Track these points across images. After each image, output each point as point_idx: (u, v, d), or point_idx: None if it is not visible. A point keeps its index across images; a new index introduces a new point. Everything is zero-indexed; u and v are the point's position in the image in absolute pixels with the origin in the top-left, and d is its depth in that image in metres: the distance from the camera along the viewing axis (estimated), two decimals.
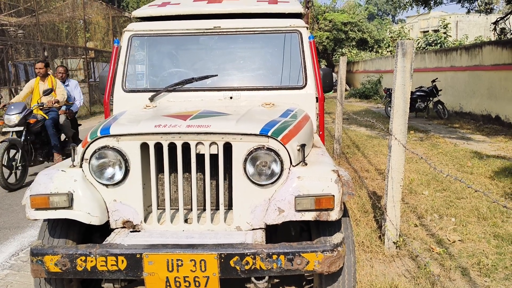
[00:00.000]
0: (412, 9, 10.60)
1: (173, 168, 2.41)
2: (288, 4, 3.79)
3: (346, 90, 26.77)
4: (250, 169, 2.31)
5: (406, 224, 4.29)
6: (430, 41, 25.12)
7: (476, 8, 13.25)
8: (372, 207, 4.75)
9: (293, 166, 2.32)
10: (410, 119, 12.63)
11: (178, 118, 2.48)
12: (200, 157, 2.37)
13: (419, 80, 14.75)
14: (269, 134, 2.30)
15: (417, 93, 12.93)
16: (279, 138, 2.31)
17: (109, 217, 2.39)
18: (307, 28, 3.60)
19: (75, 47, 18.04)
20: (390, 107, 12.84)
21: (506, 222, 4.27)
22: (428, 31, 38.08)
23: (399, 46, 3.40)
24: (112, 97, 3.51)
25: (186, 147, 2.35)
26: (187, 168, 2.41)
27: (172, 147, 2.35)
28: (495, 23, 12.93)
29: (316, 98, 3.49)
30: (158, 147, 2.36)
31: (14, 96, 16.16)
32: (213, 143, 2.33)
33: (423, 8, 10.76)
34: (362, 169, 6.70)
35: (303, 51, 3.52)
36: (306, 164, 2.36)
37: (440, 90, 12.71)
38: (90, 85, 18.05)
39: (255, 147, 2.30)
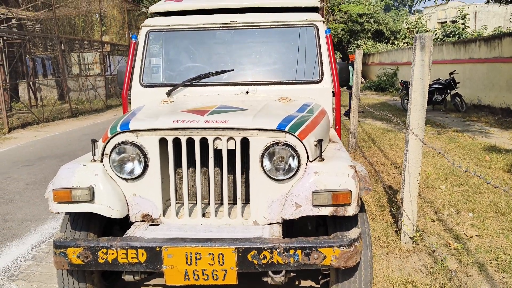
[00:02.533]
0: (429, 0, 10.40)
1: (191, 163, 2.44)
2: None
3: (361, 82, 26.54)
4: (267, 164, 2.33)
5: (423, 219, 4.27)
6: (447, 32, 24.69)
7: None
8: (388, 201, 4.73)
9: (310, 161, 2.33)
10: (427, 112, 12.43)
11: (196, 113, 2.50)
12: (217, 152, 2.39)
13: (436, 72, 14.54)
14: (286, 129, 2.31)
15: (435, 86, 12.74)
16: (296, 134, 2.31)
17: (129, 211, 2.44)
18: (323, 22, 3.58)
19: (91, 41, 18.24)
20: (406, 100, 12.69)
21: None
22: (446, 22, 37.46)
23: (417, 40, 3.36)
24: (130, 91, 3.55)
25: (204, 142, 2.37)
26: (205, 163, 2.44)
27: (190, 142, 2.37)
28: None
29: (333, 92, 3.48)
30: (176, 142, 2.39)
31: (32, 90, 16.49)
32: (230, 138, 2.35)
33: None
34: (378, 163, 6.66)
35: (319, 45, 3.51)
36: (323, 160, 2.36)
37: (458, 82, 12.51)
38: (106, 78, 18.25)
39: (272, 142, 2.32)
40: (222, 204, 2.48)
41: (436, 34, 26.01)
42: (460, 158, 6.84)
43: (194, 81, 3.45)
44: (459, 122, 10.67)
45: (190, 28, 3.62)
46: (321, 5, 3.73)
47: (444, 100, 12.85)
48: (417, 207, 3.65)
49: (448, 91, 12.74)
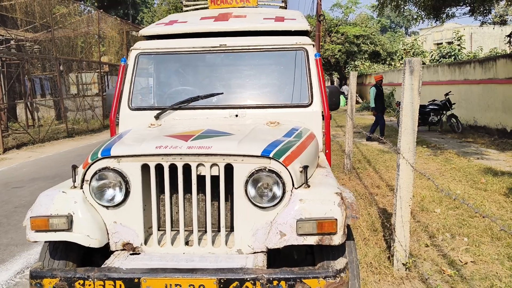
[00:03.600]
0: (423, 22, 10.52)
1: (174, 190, 2.39)
2: (295, 22, 3.78)
3: (358, 103, 26.65)
4: (252, 191, 2.28)
5: (416, 244, 4.18)
6: (444, 53, 24.95)
7: (489, 21, 13.10)
8: (382, 225, 4.65)
9: (295, 188, 2.28)
10: (423, 133, 12.58)
11: (180, 138, 2.46)
12: (201, 178, 2.34)
13: (432, 93, 14.60)
14: (271, 155, 2.27)
15: (430, 107, 12.78)
16: (281, 160, 2.27)
17: (109, 239, 2.37)
18: (313, 45, 3.58)
19: (89, 62, 18.34)
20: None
21: None
22: (441, 43, 37.82)
23: (406, 64, 3.35)
24: (118, 114, 3.52)
25: (187, 168, 2.32)
26: (188, 190, 2.38)
27: (173, 168, 2.32)
28: (510, 35, 12.76)
29: (323, 116, 3.45)
30: (159, 168, 2.34)
31: (29, 110, 16.51)
32: (214, 164, 2.30)
33: (435, 22, 10.67)
34: (372, 185, 6.60)
35: (309, 68, 3.49)
36: (308, 186, 2.31)
37: (454, 103, 12.55)
38: (104, 98, 18.27)
39: (256, 169, 2.27)
40: (206, 232, 2.42)
41: (432, 55, 26.28)
42: (455, 180, 6.78)
43: (183, 105, 3.42)
44: (455, 143, 10.65)
45: (180, 51, 3.61)
46: (311, 29, 3.73)
47: (440, 121, 12.86)
48: (409, 233, 3.57)
49: (444, 112, 12.78)
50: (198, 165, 2.31)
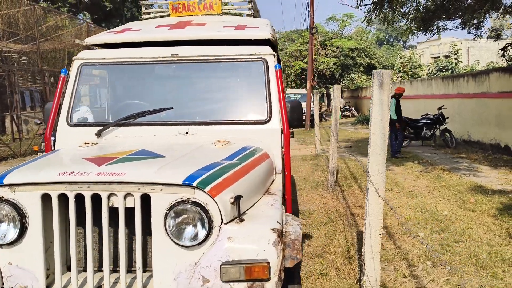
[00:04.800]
0: (412, 36, 10.25)
1: (82, 223, 2.01)
2: (256, 30, 3.45)
3: (354, 116, 26.32)
4: (172, 227, 1.91)
5: (393, 275, 3.79)
6: (441, 67, 24.78)
7: (483, 34, 12.85)
8: (358, 251, 4.26)
9: (224, 223, 1.91)
10: (416, 148, 12.21)
11: (96, 162, 2.10)
12: (115, 211, 1.97)
13: (426, 107, 14.27)
14: (195, 184, 1.90)
15: (423, 121, 12.44)
16: (207, 189, 1.90)
17: (3, 284, 1.99)
18: (274, 56, 3.24)
19: None
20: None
21: (508, 273, 3.75)
22: (439, 57, 37.76)
23: (375, 76, 3.00)
24: (55, 132, 3.16)
25: (99, 197, 1.96)
26: (99, 224, 2.01)
27: (82, 198, 1.96)
28: (504, 49, 12.48)
29: (282, 133, 3.09)
30: (66, 198, 1.97)
31: (16, 123, 16.14)
32: (129, 194, 1.94)
33: (425, 34, 10.39)
34: (355, 204, 6.21)
35: (268, 81, 3.15)
36: (241, 221, 1.94)
37: (447, 117, 12.21)
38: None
39: (178, 200, 1.90)
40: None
41: (429, 68, 26.09)
42: (444, 199, 6.40)
43: (128, 121, 3.07)
44: (448, 159, 10.28)
45: (127, 62, 3.27)
46: (273, 38, 3.39)
47: (433, 135, 12.51)
48: (380, 266, 3.18)
49: (437, 126, 12.43)
50: (110, 195, 1.94)
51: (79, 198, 1.96)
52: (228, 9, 4.23)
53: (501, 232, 4.78)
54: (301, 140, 15.60)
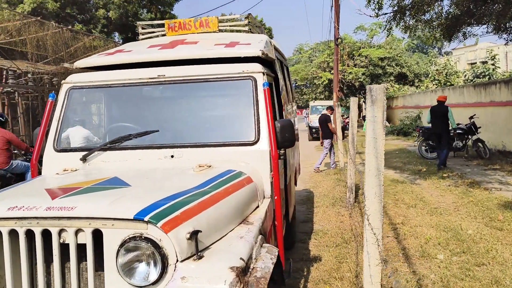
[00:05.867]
0: (437, 43, 9.82)
1: (34, 262, 1.91)
2: (247, 47, 3.32)
3: (385, 126, 25.60)
4: (124, 265, 1.77)
5: None
6: (477, 73, 23.79)
7: None
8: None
9: (180, 261, 1.76)
10: (448, 159, 11.61)
11: (51, 194, 2.00)
12: (68, 247, 1.86)
13: (458, 116, 13.66)
14: (146, 219, 1.76)
15: (456, 131, 11.87)
16: (159, 224, 1.76)
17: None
18: (263, 73, 3.08)
19: None
20: (424, 146, 11.77)
21: None
22: (475, 63, 36.36)
23: (368, 92, 2.80)
24: (42, 157, 3.12)
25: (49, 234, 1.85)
26: (52, 261, 1.90)
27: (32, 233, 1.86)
28: None
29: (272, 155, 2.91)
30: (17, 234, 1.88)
31: None
32: (80, 229, 1.82)
33: (449, 42, 9.94)
34: None
35: (256, 100, 2.99)
36: (200, 258, 1.78)
37: (479, 127, 11.60)
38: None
39: (130, 236, 1.77)
40: None
41: (465, 75, 25.11)
42: (470, 216, 5.98)
43: (113, 145, 2.99)
44: (480, 171, 9.72)
45: (115, 84, 3.20)
46: (264, 55, 3.23)
47: (465, 146, 11.90)
48: None
49: (469, 136, 11.82)
50: (61, 231, 1.83)
51: (31, 234, 1.86)
52: (225, 26, 4.12)
53: None
54: None
